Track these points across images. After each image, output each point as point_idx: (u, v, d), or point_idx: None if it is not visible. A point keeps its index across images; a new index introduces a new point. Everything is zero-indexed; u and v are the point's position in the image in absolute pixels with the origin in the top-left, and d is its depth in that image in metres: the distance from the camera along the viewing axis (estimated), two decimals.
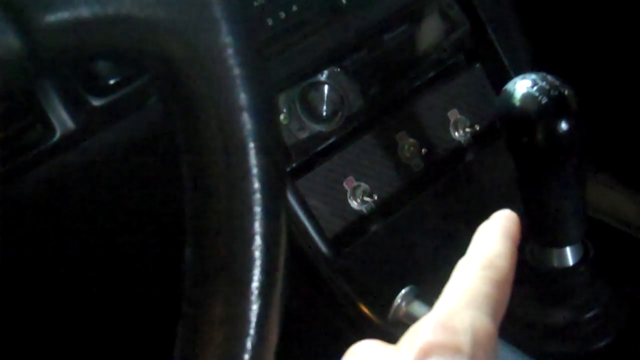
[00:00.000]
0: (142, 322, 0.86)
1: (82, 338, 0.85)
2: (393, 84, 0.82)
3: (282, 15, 0.75)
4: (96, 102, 0.64)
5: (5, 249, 0.76)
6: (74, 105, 0.63)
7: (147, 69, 0.34)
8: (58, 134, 0.64)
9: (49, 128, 0.63)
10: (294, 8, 0.76)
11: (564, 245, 0.70)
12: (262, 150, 0.34)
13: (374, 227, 0.79)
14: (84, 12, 0.31)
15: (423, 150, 0.82)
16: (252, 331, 0.33)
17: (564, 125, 0.61)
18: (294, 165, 0.77)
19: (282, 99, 0.75)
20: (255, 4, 0.73)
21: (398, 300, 0.65)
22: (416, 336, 0.30)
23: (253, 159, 0.33)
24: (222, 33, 0.33)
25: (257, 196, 0.33)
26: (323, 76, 0.77)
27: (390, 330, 0.72)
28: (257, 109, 0.34)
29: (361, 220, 0.79)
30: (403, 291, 0.65)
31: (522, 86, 0.63)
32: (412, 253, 0.77)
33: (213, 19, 0.33)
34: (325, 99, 0.76)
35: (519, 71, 0.84)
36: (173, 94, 0.34)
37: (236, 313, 0.33)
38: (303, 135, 0.77)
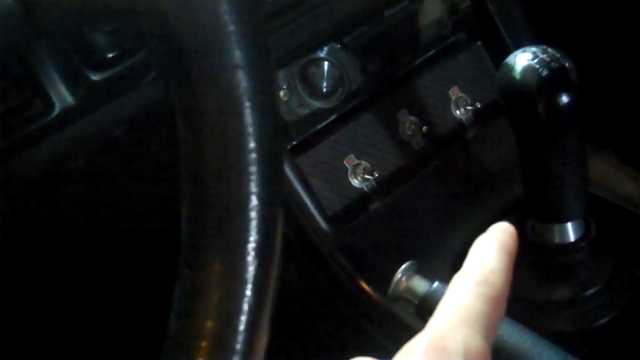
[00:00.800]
0: (142, 294, 0.86)
1: (86, 315, 0.85)
2: (394, 61, 0.82)
3: None
4: (95, 77, 0.64)
5: (5, 225, 0.76)
6: (73, 80, 0.63)
7: (141, 27, 0.34)
8: (57, 109, 0.63)
9: (48, 103, 0.63)
10: None
11: (565, 221, 0.69)
12: (257, 109, 0.33)
13: (374, 205, 0.78)
14: None
15: (424, 128, 0.82)
16: (248, 291, 0.33)
17: (564, 98, 0.61)
18: (294, 142, 0.77)
19: (282, 75, 0.75)
20: None
21: (398, 274, 0.65)
22: (409, 356, 0.29)
23: (248, 118, 0.33)
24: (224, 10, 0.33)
25: (253, 155, 0.33)
26: (323, 52, 0.77)
27: (390, 306, 0.72)
28: (252, 67, 0.33)
29: (362, 198, 0.78)
30: (403, 266, 0.65)
31: (522, 59, 0.63)
32: (413, 230, 0.77)
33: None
34: (326, 75, 0.76)
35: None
36: (166, 52, 0.34)
37: (233, 273, 0.33)
38: (303, 112, 0.77)
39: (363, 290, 0.74)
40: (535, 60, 0.61)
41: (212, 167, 0.33)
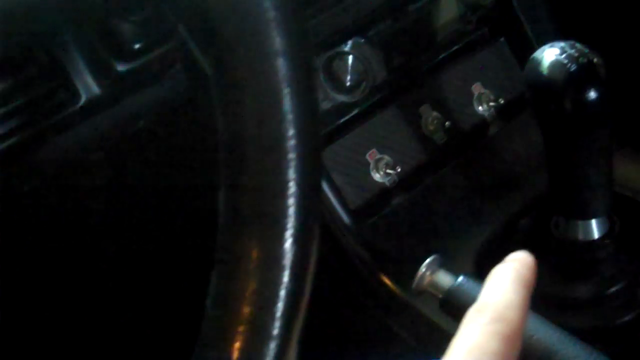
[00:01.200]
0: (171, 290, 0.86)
1: (107, 308, 0.85)
2: (417, 56, 0.82)
3: None
4: (121, 68, 0.64)
5: (25, 217, 0.77)
6: (100, 70, 0.63)
7: (174, 14, 0.34)
8: (83, 100, 0.63)
9: (74, 93, 0.63)
10: None
11: (590, 218, 0.69)
12: (296, 96, 0.33)
13: (396, 200, 0.78)
14: None
15: (446, 124, 0.81)
16: (286, 278, 0.33)
17: (592, 94, 0.61)
18: None
19: None
20: None
21: (423, 269, 0.64)
22: None
23: (287, 105, 0.33)
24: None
25: (292, 142, 0.33)
26: (347, 46, 0.76)
27: (411, 300, 0.72)
28: (292, 53, 0.33)
29: (384, 192, 0.78)
30: (428, 260, 0.65)
31: (550, 54, 0.62)
32: (434, 225, 0.77)
33: None
34: (350, 69, 0.76)
35: (544, 45, 0.84)
36: (206, 39, 0.34)
37: (271, 259, 0.33)
38: (327, 105, 0.77)
39: (384, 284, 0.74)
40: (563, 56, 0.61)
41: (251, 154, 0.33)
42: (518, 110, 0.84)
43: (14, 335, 0.68)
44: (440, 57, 0.84)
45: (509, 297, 0.31)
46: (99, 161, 0.76)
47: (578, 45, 0.63)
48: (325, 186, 0.75)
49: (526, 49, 0.85)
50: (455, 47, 0.85)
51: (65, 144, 0.67)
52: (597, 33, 0.86)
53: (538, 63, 0.62)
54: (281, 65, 0.33)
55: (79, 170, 0.77)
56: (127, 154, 0.76)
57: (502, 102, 0.84)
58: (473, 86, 0.84)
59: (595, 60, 0.62)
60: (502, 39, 0.87)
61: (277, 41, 0.33)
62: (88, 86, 0.63)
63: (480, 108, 0.84)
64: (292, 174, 0.33)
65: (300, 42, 0.34)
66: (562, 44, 0.62)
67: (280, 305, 0.33)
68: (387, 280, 0.74)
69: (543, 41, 0.83)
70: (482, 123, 0.84)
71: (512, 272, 0.32)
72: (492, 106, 0.84)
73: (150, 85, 0.69)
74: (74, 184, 0.79)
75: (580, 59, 0.61)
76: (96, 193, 0.82)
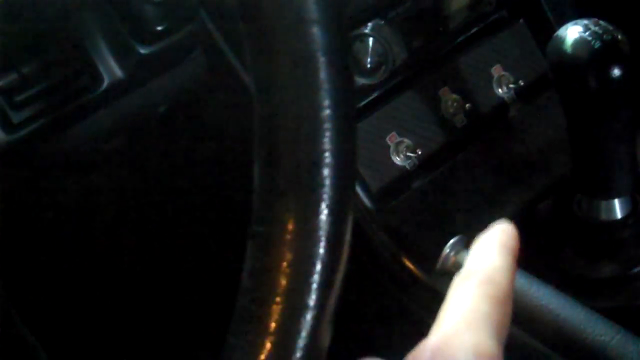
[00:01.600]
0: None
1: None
2: (436, 38, 0.82)
3: None
4: (144, 50, 0.64)
5: (42, 204, 0.77)
6: (122, 53, 0.63)
7: None
8: (105, 83, 0.63)
9: (97, 77, 0.63)
10: None
11: (613, 197, 0.69)
12: (333, 65, 0.33)
13: (416, 183, 0.78)
14: None
15: (467, 106, 0.81)
16: (322, 250, 0.33)
17: (616, 71, 0.61)
18: None
19: None
20: None
21: (447, 249, 0.64)
22: None
23: (323, 74, 0.33)
24: None
25: (327, 112, 0.33)
26: (367, 28, 0.76)
27: (433, 284, 0.71)
28: (328, 22, 0.33)
29: (404, 175, 0.78)
30: (452, 240, 0.65)
31: (573, 31, 0.62)
32: (455, 208, 0.77)
33: None
34: (370, 51, 0.76)
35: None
36: (240, 12, 0.34)
37: (307, 231, 0.33)
38: None
39: (406, 268, 0.74)
40: (587, 33, 0.61)
41: (286, 125, 0.33)
42: (538, 93, 0.83)
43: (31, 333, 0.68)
44: (460, 39, 0.84)
45: (495, 261, 0.31)
46: (121, 148, 0.76)
47: (602, 22, 0.62)
48: None
49: (546, 30, 0.85)
50: (475, 29, 0.85)
51: (87, 130, 0.67)
52: (617, 14, 0.85)
53: (561, 41, 0.62)
54: (316, 34, 0.33)
55: (99, 159, 0.77)
56: (148, 139, 0.76)
57: (522, 84, 0.83)
58: (493, 68, 0.84)
59: (619, 37, 0.61)
60: (521, 21, 0.86)
61: (313, 9, 0.33)
62: (111, 69, 0.63)
63: (500, 90, 0.83)
64: (327, 144, 0.33)
65: (334, 11, 0.34)
66: (585, 21, 0.62)
67: (316, 277, 0.33)
68: (409, 263, 0.74)
69: (563, 22, 0.83)
70: (502, 105, 0.83)
71: (497, 239, 0.33)
72: (512, 88, 0.83)
73: (172, 69, 0.69)
74: (94, 173, 0.79)
75: (605, 37, 0.60)
76: (116, 182, 0.82)
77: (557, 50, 0.62)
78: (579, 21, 0.63)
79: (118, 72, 0.63)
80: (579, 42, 0.61)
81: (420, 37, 0.80)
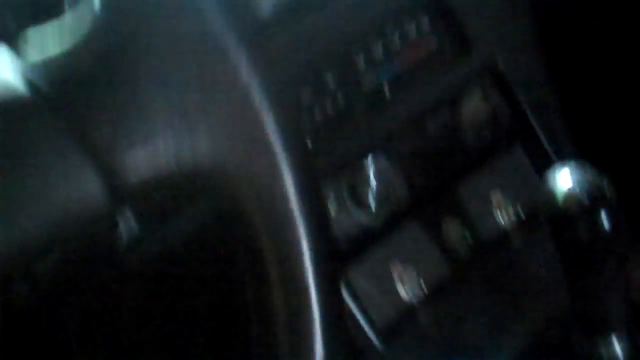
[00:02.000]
0: None
1: None
2: (437, 169, 0.84)
3: (329, 106, 0.78)
4: None
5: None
6: None
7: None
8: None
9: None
10: (340, 99, 0.79)
11: (609, 334, 0.70)
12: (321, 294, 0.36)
13: (423, 316, 0.80)
14: (166, 168, 0.34)
15: (468, 235, 0.83)
16: None
17: (606, 223, 0.63)
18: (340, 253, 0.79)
19: (329, 190, 0.78)
20: (303, 99, 0.76)
21: None
22: None
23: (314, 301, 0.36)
24: (285, 183, 0.35)
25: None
26: (369, 164, 0.79)
27: None
28: (317, 253, 0.36)
29: (409, 307, 0.80)
30: None
31: (562, 180, 0.64)
32: (462, 342, 0.78)
33: (278, 171, 0.35)
34: (371, 187, 0.79)
35: (560, 152, 0.86)
36: (238, 233, 0.37)
37: None
38: (349, 223, 0.79)
39: None
40: (576, 184, 0.63)
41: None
42: (539, 220, 0.85)
43: None
44: (459, 167, 0.86)
45: None
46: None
47: (589, 170, 0.65)
48: (350, 302, 0.77)
49: (542, 156, 0.88)
50: (473, 157, 0.87)
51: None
52: (612, 139, 0.88)
53: (551, 191, 0.64)
54: (310, 277, 0.36)
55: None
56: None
57: (522, 211, 0.85)
58: (493, 195, 0.86)
59: (606, 187, 0.64)
60: (518, 146, 0.89)
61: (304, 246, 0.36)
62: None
63: (501, 218, 0.85)
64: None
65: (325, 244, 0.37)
66: (572, 168, 0.65)
67: None
68: None
69: (559, 149, 0.86)
70: (504, 233, 0.85)
71: None
72: (513, 215, 0.85)
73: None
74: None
75: (592, 189, 0.63)
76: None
77: (547, 200, 0.65)
78: (568, 165, 0.65)
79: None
80: (568, 195, 0.63)
81: (420, 169, 0.82)
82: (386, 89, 0.80)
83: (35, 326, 0.72)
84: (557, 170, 0.66)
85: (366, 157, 0.80)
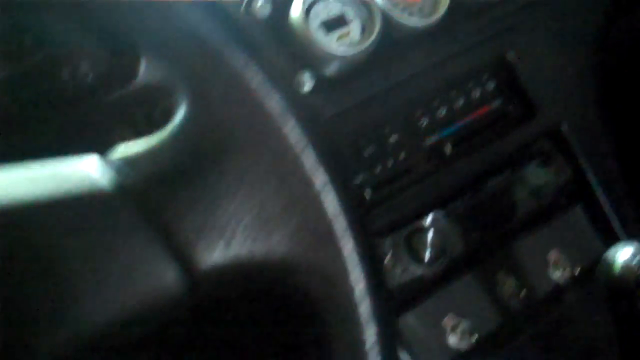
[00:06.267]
0: None
1: None
2: (494, 226, 0.85)
3: (390, 162, 0.80)
4: None
5: None
6: None
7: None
8: None
9: None
10: (402, 156, 0.80)
11: None
12: None
13: None
14: (241, 254, 0.36)
15: (523, 291, 0.84)
16: None
17: None
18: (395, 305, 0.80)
19: (387, 242, 0.79)
20: (365, 153, 0.78)
21: None
22: None
23: None
24: (354, 278, 0.38)
25: None
26: (427, 221, 0.81)
27: None
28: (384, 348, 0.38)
29: (459, 357, 0.81)
30: None
31: (622, 256, 0.65)
32: None
33: (347, 266, 0.37)
34: (429, 243, 0.80)
35: (620, 214, 0.87)
36: (307, 325, 0.39)
37: None
38: (405, 277, 0.80)
39: None
40: (635, 260, 0.64)
41: None
42: (594, 280, 0.86)
43: None
44: (517, 225, 0.87)
45: None
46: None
47: None
48: (402, 353, 0.78)
49: (602, 217, 0.88)
50: (532, 215, 0.88)
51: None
52: None
53: (610, 265, 0.65)
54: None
55: None
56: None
57: (578, 269, 0.86)
58: (549, 253, 0.86)
59: None
60: (578, 207, 0.89)
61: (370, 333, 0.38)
62: None
63: (556, 275, 0.86)
64: None
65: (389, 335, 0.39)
66: (633, 246, 0.66)
67: None
68: None
69: (619, 211, 0.86)
70: (558, 290, 0.86)
71: None
72: (568, 273, 0.86)
73: None
74: None
75: None
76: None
77: (605, 272, 0.66)
78: (628, 244, 0.66)
79: None
80: (626, 269, 0.64)
81: (478, 227, 0.84)
82: (447, 146, 0.82)
83: None
84: (617, 249, 0.67)
85: (426, 213, 0.81)
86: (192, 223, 0.35)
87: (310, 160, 0.37)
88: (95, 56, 0.69)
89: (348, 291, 0.38)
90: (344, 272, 0.38)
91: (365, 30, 0.73)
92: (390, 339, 0.39)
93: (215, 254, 0.36)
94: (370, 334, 0.38)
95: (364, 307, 0.38)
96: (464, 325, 0.81)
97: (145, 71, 0.69)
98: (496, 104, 0.84)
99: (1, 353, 0.31)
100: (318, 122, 0.43)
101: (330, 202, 0.37)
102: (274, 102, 0.37)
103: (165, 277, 0.35)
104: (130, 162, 0.36)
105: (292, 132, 0.37)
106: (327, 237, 0.37)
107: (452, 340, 0.81)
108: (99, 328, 0.34)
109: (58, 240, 0.33)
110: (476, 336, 0.81)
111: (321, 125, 0.41)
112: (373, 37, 0.72)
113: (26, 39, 0.67)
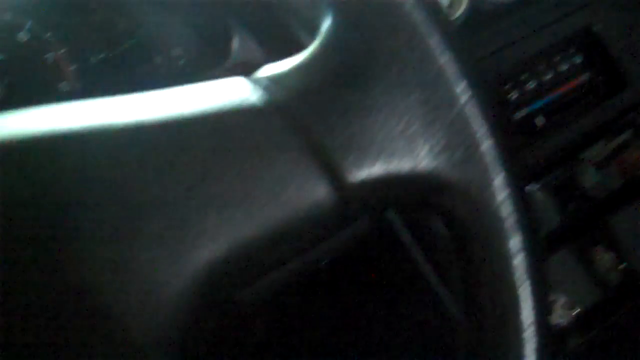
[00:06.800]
0: None
1: None
2: (589, 199, 0.85)
3: None
4: None
5: None
6: None
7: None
8: None
9: None
10: None
11: None
12: (534, 303, 0.38)
13: (573, 342, 0.80)
14: (389, 169, 0.36)
15: (621, 265, 0.83)
16: None
17: None
18: None
19: None
20: None
21: None
22: None
23: (526, 314, 0.37)
24: (498, 193, 0.37)
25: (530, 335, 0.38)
26: None
27: None
28: (528, 257, 0.38)
29: (561, 333, 0.80)
30: None
31: None
32: None
33: (492, 183, 0.37)
34: None
35: None
36: (454, 241, 0.39)
37: None
38: None
39: None
40: None
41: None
42: None
43: None
44: (613, 199, 0.86)
45: None
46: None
47: None
48: None
49: None
50: (627, 189, 0.87)
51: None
52: None
53: None
54: (518, 265, 0.38)
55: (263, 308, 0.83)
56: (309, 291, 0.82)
57: None
58: None
59: None
60: None
61: (513, 242, 0.38)
62: None
63: None
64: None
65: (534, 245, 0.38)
66: None
67: None
68: None
69: None
70: None
71: None
72: None
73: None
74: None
75: None
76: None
77: None
78: None
79: None
80: None
81: (573, 200, 0.83)
82: (539, 119, 0.82)
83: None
84: None
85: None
86: (342, 137, 0.35)
87: (454, 72, 0.37)
88: (187, 42, 0.72)
89: (496, 220, 0.37)
90: (492, 198, 0.37)
91: (453, 3, 0.75)
92: (537, 249, 0.39)
93: (364, 168, 0.36)
94: (518, 265, 0.37)
95: (514, 241, 0.38)
96: (562, 300, 0.80)
97: (238, 50, 0.72)
98: (584, 76, 0.84)
99: (164, 262, 0.32)
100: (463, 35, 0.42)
101: (476, 119, 0.37)
102: (419, 14, 0.37)
103: (316, 192, 0.35)
104: (277, 80, 0.37)
105: (438, 43, 0.37)
106: (472, 151, 0.37)
107: (552, 316, 0.80)
108: (251, 243, 0.34)
109: (212, 155, 0.34)
110: (577, 310, 0.80)
111: None
112: (461, 9, 0.74)
113: (120, 25, 0.70)
